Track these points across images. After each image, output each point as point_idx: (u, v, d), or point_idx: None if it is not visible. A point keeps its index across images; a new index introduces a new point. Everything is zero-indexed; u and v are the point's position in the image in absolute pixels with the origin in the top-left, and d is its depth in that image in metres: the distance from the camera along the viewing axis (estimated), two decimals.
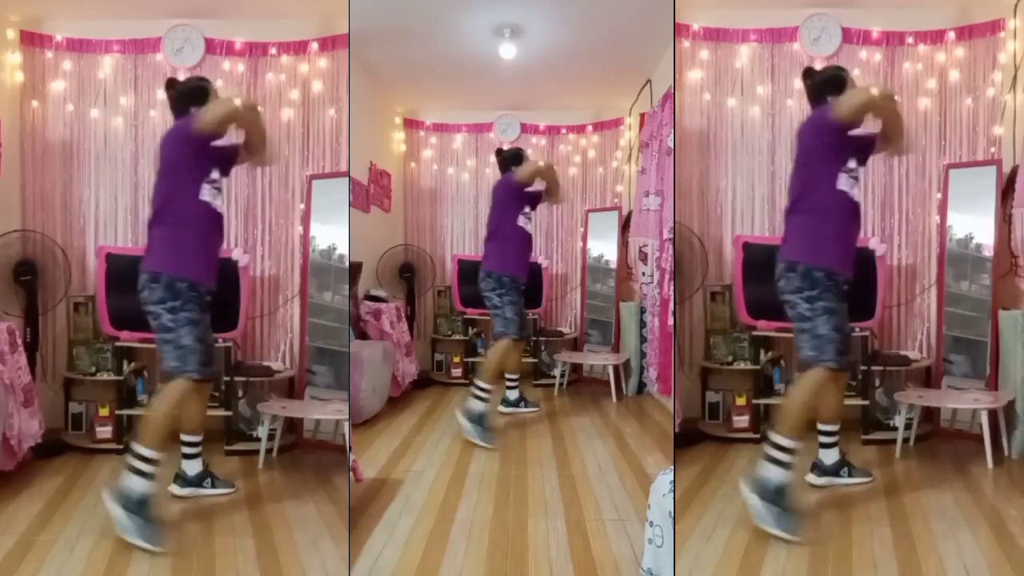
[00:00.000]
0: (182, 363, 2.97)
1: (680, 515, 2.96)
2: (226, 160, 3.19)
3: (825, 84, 3.18)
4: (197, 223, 3.04)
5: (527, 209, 4.54)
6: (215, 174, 3.09)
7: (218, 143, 3.09)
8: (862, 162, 3.16)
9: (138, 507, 2.84)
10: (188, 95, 3.16)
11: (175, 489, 3.38)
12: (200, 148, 3.04)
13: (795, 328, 3.06)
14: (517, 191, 4.51)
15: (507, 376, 4.74)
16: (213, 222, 3.10)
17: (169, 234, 3.02)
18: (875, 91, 3.01)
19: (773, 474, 2.86)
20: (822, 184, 3.02)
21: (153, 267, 2.99)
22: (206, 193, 3.04)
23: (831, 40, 4.34)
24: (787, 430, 2.89)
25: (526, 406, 4.84)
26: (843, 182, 3.02)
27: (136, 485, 2.87)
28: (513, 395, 4.84)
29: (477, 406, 4.19)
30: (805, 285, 2.96)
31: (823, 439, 3.40)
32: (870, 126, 3.13)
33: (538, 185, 4.55)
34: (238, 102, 3.02)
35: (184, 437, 3.37)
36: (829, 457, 3.39)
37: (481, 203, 6.10)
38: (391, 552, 2.79)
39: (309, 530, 3.02)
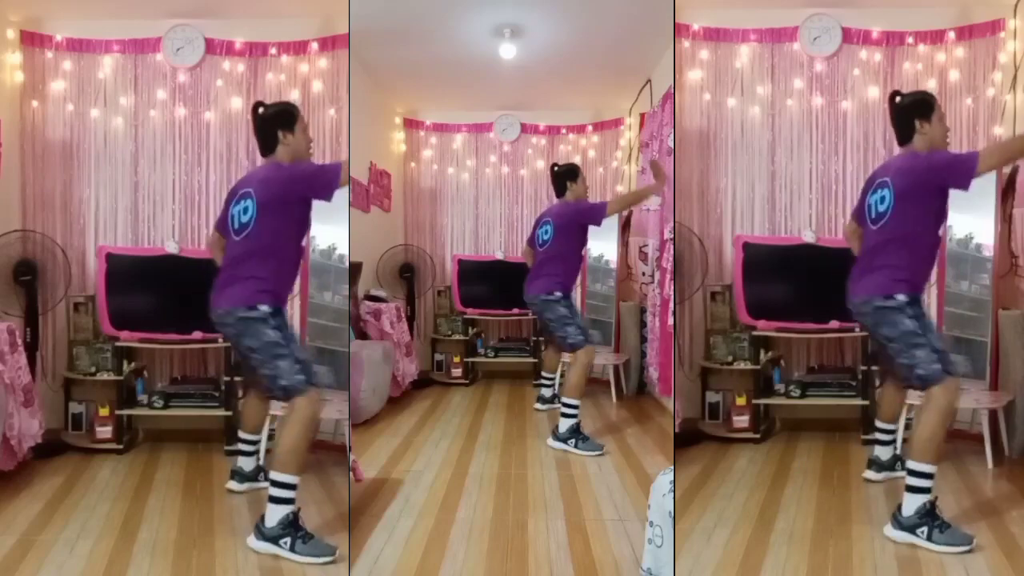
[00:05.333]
0: (308, 375, 2.87)
1: (680, 515, 2.96)
2: None
3: (913, 108, 3.09)
4: (297, 265, 3.10)
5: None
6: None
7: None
8: None
9: (287, 529, 2.77)
10: (275, 119, 3.06)
11: (232, 485, 3.44)
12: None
13: (906, 348, 2.95)
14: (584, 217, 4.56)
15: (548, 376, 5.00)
16: None
17: (277, 270, 2.97)
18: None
19: (918, 501, 2.83)
20: (932, 230, 3.05)
21: (251, 302, 2.88)
22: (303, 239, 3.12)
23: (831, 40, 4.34)
24: (931, 457, 2.85)
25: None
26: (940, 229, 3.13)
27: (279, 513, 2.78)
28: (549, 393, 4.98)
29: (567, 423, 4.14)
30: (907, 305, 2.94)
31: (882, 436, 3.49)
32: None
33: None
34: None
35: (248, 436, 3.46)
36: (886, 454, 3.49)
37: (481, 203, 6.10)
38: (391, 552, 2.79)
39: (309, 530, 3.01)
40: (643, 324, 5.27)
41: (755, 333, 4.15)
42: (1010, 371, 3.76)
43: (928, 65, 4.33)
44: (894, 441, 3.51)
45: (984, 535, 2.84)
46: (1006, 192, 3.97)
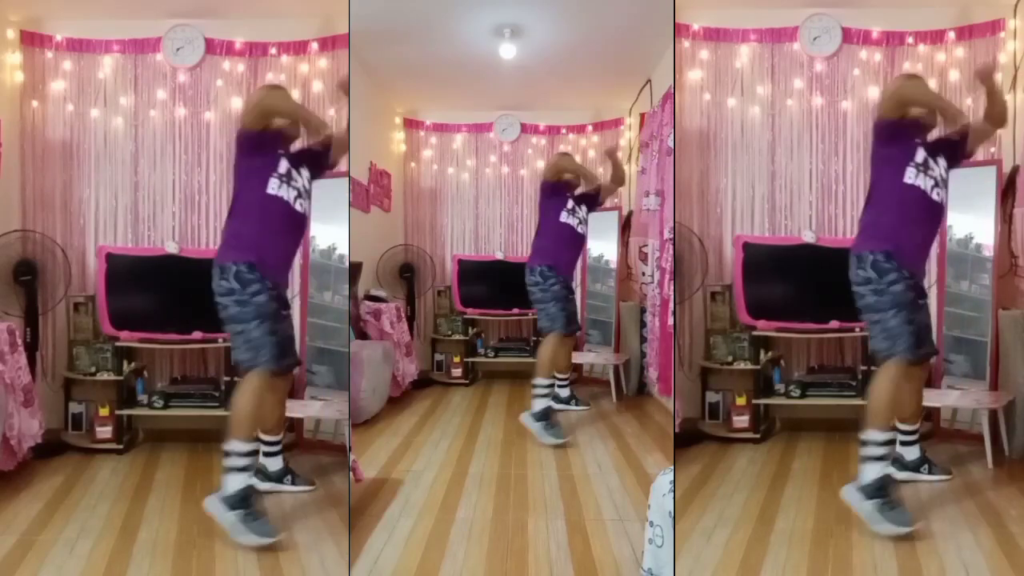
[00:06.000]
0: (254, 355, 2.95)
1: (680, 515, 2.96)
2: (310, 159, 3.20)
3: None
4: (262, 215, 3.04)
5: (571, 205, 4.64)
6: (284, 167, 3.06)
7: (295, 145, 3.16)
8: (951, 162, 3.15)
9: (243, 502, 2.86)
10: None
11: (256, 483, 3.36)
12: (257, 143, 3.06)
13: (866, 320, 3.09)
14: (554, 189, 4.67)
15: (557, 375, 4.69)
16: (284, 216, 3.07)
17: (235, 226, 3.05)
18: (901, 79, 3.08)
19: (875, 470, 2.91)
20: (885, 178, 3.08)
21: (221, 260, 2.99)
22: (273, 187, 3.02)
23: (831, 40, 4.33)
24: (879, 424, 2.95)
25: (576, 404, 4.87)
26: (910, 175, 3.03)
27: (237, 482, 2.89)
28: (564, 393, 4.84)
29: (539, 404, 4.28)
30: (872, 275, 2.99)
31: (903, 437, 3.44)
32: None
33: (583, 186, 4.75)
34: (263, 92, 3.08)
35: (264, 436, 3.35)
36: (910, 454, 3.44)
37: (481, 203, 6.10)
38: (391, 552, 2.79)
39: (309, 530, 3.02)
40: (643, 324, 5.27)
41: (755, 333, 4.15)
42: (1010, 371, 3.76)
43: (928, 65, 4.32)
44: (916, 441, 3.46)
45: (984, 535, 2.84)
46: (1006, 192, 3.97)
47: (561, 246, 4.65)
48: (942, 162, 3.10)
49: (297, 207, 3.09)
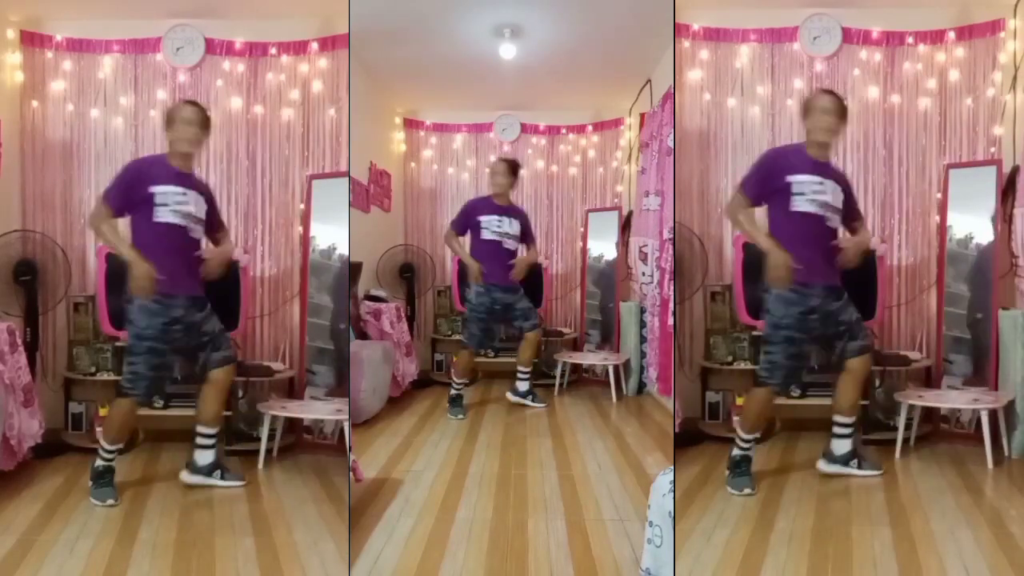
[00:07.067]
0: (132, 387, 3.33)
1: (680, 515, 2.96)
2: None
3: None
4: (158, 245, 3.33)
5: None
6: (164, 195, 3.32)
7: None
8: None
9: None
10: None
11: (184, 476, 3.48)
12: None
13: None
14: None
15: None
16: (174, 236, 3.35)
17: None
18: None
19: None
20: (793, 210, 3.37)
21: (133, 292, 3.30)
22: (163, 214, 3.32)
23: (831, 40, 4.34)
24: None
25: (533, 400, 5.12)
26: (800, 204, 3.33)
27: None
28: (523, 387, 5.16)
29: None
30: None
31: (838, 430, 3.49)
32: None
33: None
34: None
35: (199, 428, 3.50)
36: (840, 447, 3.49)
37: None
38: (391, 552, 2.79)
39: (309, 530, 3.02)
40: (643, 324, 5.28)
41: (755, 333, 4.14)
42: (1010, 371, 3.76)
43: (928, 65, 4.33)
44: (850, 436, 3.50)
45: (984, 535, 2.84)
46: (1006, 192, 3.97)
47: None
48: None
49: (183, 220, 3.43)
